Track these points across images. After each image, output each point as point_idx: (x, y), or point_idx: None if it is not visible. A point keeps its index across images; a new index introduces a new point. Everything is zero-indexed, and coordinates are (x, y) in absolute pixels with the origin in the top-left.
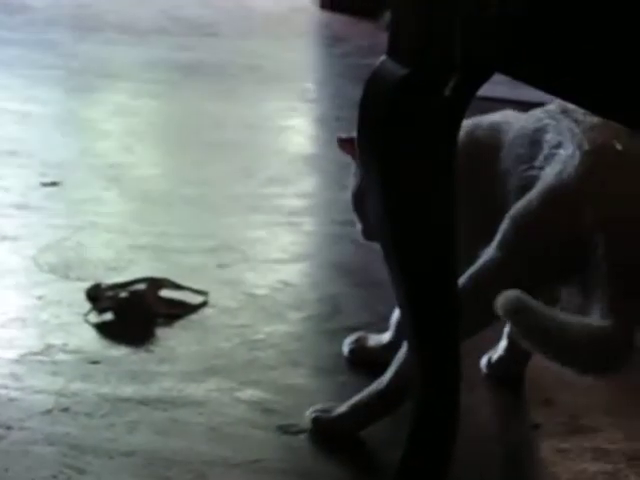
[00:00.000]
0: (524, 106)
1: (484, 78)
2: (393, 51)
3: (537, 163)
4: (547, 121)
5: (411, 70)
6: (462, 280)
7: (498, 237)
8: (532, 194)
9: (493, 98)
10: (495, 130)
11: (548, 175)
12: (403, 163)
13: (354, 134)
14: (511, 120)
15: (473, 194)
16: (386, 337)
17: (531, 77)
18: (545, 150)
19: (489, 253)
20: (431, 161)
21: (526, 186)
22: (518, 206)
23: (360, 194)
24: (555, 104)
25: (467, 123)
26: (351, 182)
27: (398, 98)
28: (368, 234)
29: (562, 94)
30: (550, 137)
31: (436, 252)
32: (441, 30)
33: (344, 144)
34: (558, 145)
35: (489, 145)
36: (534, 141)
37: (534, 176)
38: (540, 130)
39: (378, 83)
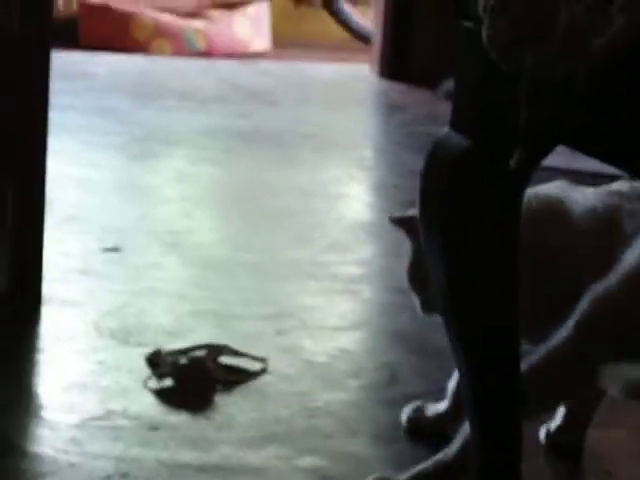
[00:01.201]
0: (577, 176)
1: (548, 150)
2: (456, 122)
3: (615, 246)
4: (621, 203)
5: (474, 142)
6: (533, 358)
7: (576, 317)
8: (612, 278)
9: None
10: (556, 203)
11: (628, 260)
12: (465, 235)
13: (407, 213)
14: (570, 194)
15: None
16: (443, 406)
17: (595, 149)
18: (623, 234)
19: (565, 332)
20: (494, 233)
21: (601, 268)
22: (598, 288)
23: (416, 269)
24: (626, 186)
25: None
26: (406, 258)
27: (461, 170)
28: (426, 307)
29: (625, 166)
30: (627, 222)
31: (498, 325)
32: (505, 102)
33: (398, 223)
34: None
35: (551, 218)
36: (609, 222)
37: (612, 258)
38: (615, 211)
39: (440, 154)
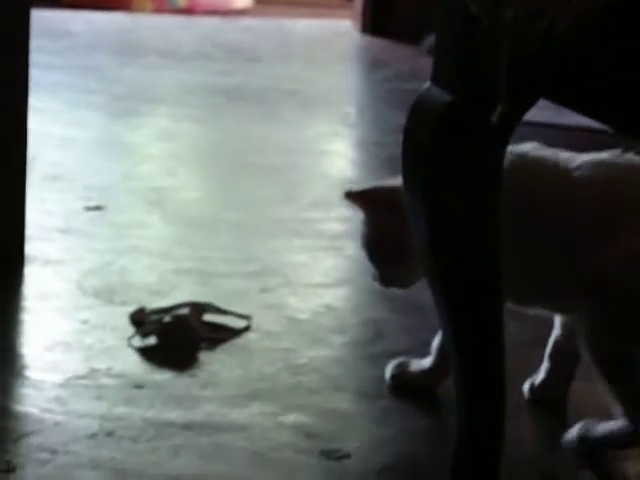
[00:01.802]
0: (561, 130)
1: (530, 104)
2: (438, 77)
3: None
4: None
5: (456, 96)
6: None
7: None
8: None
9: (531, 122)
10: (551, 162)
11: None
12: (448, 189)
13: (363, 187)
14: (557, 158)
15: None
16: (428, 362)
17: (577, 103)
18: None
19: None
20: (477, 188)
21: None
22: None
23: (373, 243)
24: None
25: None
26: (361, 234)
27: (443, 124)
28: (385, 280)
29: (607, 119)
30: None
31: (482, 280)
32: (487, 56)
33: (354, 198)
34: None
35: (546, 177)
36: (608, 188)
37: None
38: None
39: (423, 110)
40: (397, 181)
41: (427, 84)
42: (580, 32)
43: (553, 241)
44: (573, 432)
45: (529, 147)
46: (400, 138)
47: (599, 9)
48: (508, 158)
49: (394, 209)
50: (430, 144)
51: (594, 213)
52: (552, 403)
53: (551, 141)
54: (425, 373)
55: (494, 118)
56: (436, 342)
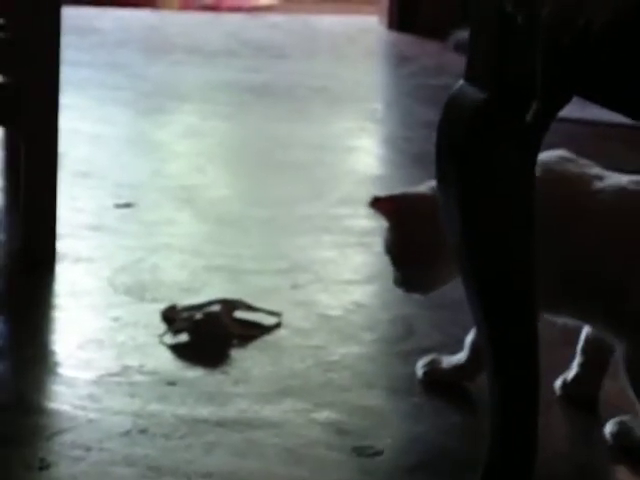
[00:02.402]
0: (586, 125)
1: (565, 102)
2: (471, 75)
3: None
4: None
5: (490, 94)
6: None
7: None
8: None
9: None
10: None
11: None
12: (482, 188)
13: (391, 193)
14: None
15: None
16: (460, 358)
17: (611, 100)
18: None
19: None
20: (511, 187)
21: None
22: None
23: (397, 249)
24: None
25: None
26: (385, 239)
27: (477, 123)
28: (407, 285)
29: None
30: None
31: (515, 278)
32: (521, 53)
33: (380, 205)
34: None
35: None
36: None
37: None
38: None
39: (456, 108)
40: (421, 188)
41: (460, 82)
42: (616, 28)
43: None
44: (610, 428)
45: (556, 156)
46: (428, 133)
47: (636, 5)
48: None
49: (419, 216)
50: (464, 142)
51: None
52: (584, 399)
53: (575, 136)
54: (458, 369)
55: (529, 117)
56: (469, 338)
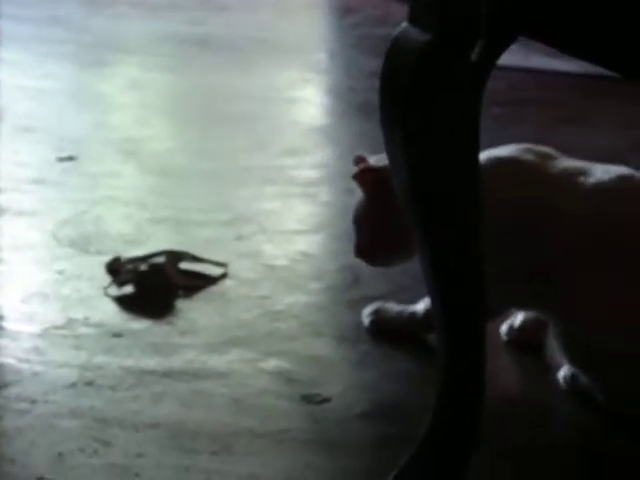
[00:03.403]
0: (529, 73)
1: (509, 41)
2: (415, 17)
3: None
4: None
5: (434, 35)
6: None
7: None
8: None
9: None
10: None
11: None
12: (429, 130)
13: (371, 164)
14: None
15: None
16: (417, 311)
17: (556, 39)
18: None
19: None
20: (455, 129)
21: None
22: None
23: (368, 222)
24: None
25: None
26: (356, 210)
27: (422, 64)
28: (371, 259)
29: (587, 56)
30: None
31: (462, 221)
32: None
33: (361, 176)
34: None
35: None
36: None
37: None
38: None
39: (400, 51)
40: None
41: (404, 24)
42: None
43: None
44: (564, 372)
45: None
46: (372, 83)
47: None
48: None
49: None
50: (408, 84)
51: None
52: (531, 345)
53: (519, 84)
54: (411, 321)
55: (474, 56)
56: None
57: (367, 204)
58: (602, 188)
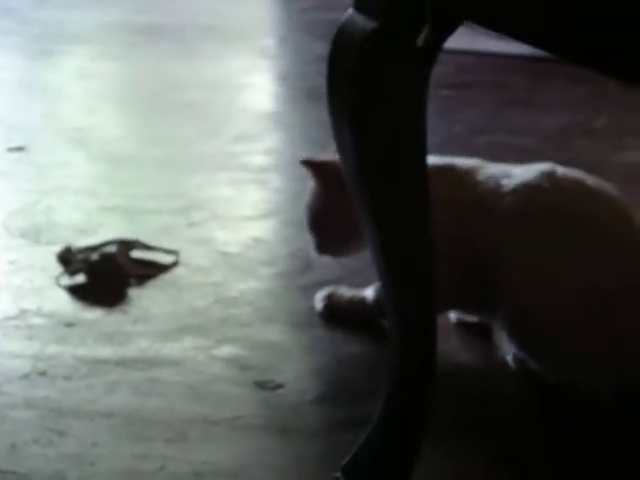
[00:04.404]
0: (476, 56)
1: (454, 27)
2: (360, 3)
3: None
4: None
5: (380, 22)
6: None
7: None
8: None
9: (453, 50)
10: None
11: None
12: (375, 117)
13: (317, 156)
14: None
15: None
16: (367, 297)
17: (502, 25)
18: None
19: None
20: (403, 114)
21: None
22: None
23: (319, 211)
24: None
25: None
26: (309, 200)
27: (368, 51)
28: (323, 248)
29: (535, 42)
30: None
31: (410, 203)
32: None
33: (311, 168)
34: None
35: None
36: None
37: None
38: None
39: (346, 38)
40: None
41: (349, 11)
42: None
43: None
44: (514, 353)
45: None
46: (322, 68)
47: None
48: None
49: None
50: (355, 72)
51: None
52: (480, 326)
53: (467, 67)
54: (355, 302)
55: (419, 42)
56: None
57: (323, 198)
58: (522, 185)
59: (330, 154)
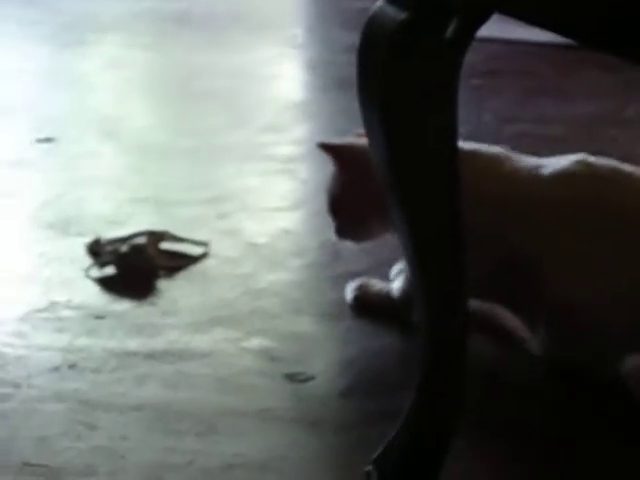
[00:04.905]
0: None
1: (484, 18)
2: None
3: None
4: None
5: (411, 13)
6: None
7: None
8: None
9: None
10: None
11: None
12: (406, 107)
13: (336, 140)
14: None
15: None
16: (396, 290)
17: (531, 15)
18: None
19: None
20: (433, 105)
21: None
22: None
23: (338, 197)
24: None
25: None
26: (329, 183)
27: (398, 42)
28: (343, 232)
29: (563, 32)
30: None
31: (440, 196)
32: None
33: (329, 150)
34: None
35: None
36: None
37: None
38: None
39: (376, 28)
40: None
41: (379, 2)
42: None
43: None
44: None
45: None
46: (350, 58)
47: None
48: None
49: (367, 167)
50: (386, 62)
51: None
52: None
53: (496, 55)
54: (385, 293)
55: (448, 33)
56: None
57: (343, 182)
58: (560, 172)
59: (350, 139)
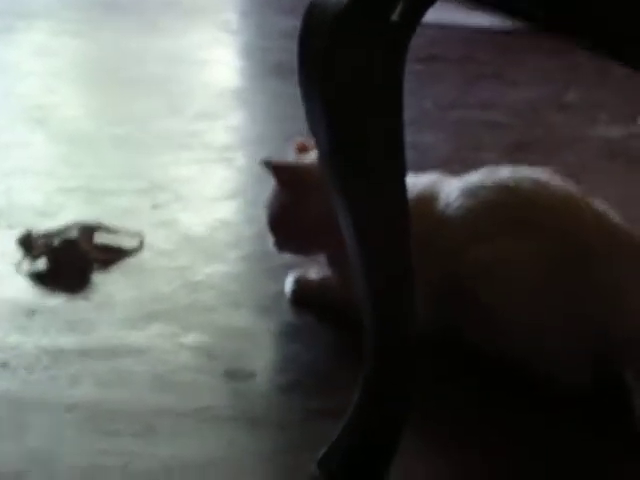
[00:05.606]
0: (451, 29)
1: (431, 2)
2: None
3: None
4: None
5: None
6: None
7: None
8: None
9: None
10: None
11: None
12: (349, 92)
13: (278, 159)
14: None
15: None
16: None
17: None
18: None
19: None
20: (378, 91)
21: None
22: None
23: (279, 213)
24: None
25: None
26: (270, 200)
27: (343, 26)
28: (281, 247)
29: (515, 15)
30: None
31: (384, 185)
32: None
33: (273, 170)
34: None
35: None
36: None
37: None
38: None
39: (318, 14)
40: (312, 155)
41: None
42: None
43: None
44: None
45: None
46: (286, 43)
47: None
48: None
49: (308, 188)
50: (329, 46)
51: None
52: None
53: (438, 40)
54: (325, 286)
55: (395, 16)
56: None
57: (284, 201)
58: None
59: (292, 160)
